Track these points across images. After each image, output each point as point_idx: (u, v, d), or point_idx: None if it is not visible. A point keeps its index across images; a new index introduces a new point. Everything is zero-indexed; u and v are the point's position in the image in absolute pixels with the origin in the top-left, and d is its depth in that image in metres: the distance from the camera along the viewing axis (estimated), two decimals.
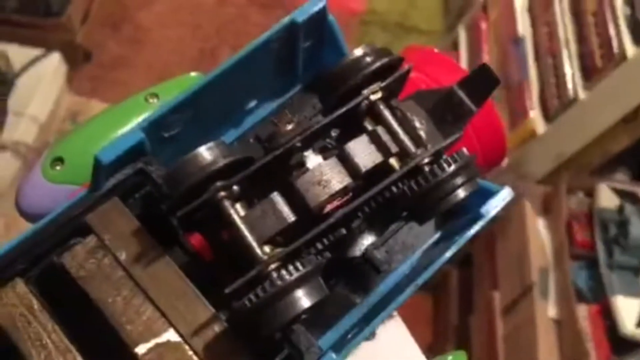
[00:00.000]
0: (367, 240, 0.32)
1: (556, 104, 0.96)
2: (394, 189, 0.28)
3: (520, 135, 1.00)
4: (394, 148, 0.29)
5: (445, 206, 0.29)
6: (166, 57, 1.44)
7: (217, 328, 0.28)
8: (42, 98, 1.25)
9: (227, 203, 0.27)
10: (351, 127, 0.30)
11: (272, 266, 0.26)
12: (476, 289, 1.09)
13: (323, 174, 0.28)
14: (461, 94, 0.32)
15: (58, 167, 0.33)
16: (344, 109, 0.29)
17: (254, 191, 0.29)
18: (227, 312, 0.28)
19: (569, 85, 0.93)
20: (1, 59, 1.21)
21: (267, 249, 0.27)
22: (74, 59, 1.34)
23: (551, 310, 0.89)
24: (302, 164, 0.29)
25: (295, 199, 0.28)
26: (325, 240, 0.28)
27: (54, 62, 1.28)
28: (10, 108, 1.20)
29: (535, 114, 0.98)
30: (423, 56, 0.41)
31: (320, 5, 0.32)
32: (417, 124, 0.31)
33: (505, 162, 1.02)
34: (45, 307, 0.28)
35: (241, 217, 0.27)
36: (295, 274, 0.25)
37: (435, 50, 0.44)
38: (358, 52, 0.31)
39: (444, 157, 0.29)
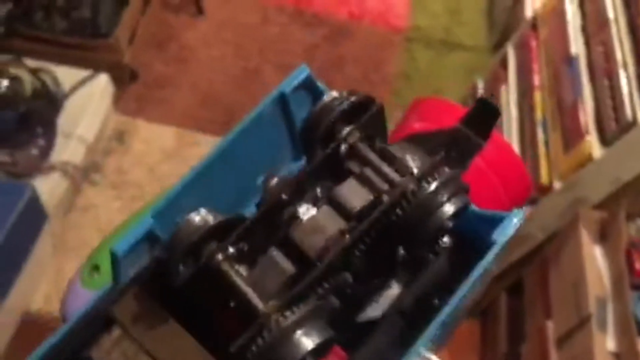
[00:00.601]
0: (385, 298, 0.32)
1: (613, 126, 0.92)
2: (383, 220, 0.29)
3: (575, 158, 0.96)
4: (384, 185, 0.30)
5: (435, 224, 0.29)
6: (210, 76, 1.45)
7: None
8: (90, 118, 1.27)
9: (226, 265, 0.28)
10: (339, 174, 0.31)
11: (274, 317, 0.27)
12: (528, 317, 1.05)
13: (317, 222, 0.29)
14: (466, 130, 0.32)
15: (95, 275, 0.37)
16: (322, 156, 0.31)
17: (253, 250, 0.29)
18: None
19: (627, 108, 0.90)
20: (51, 80, 1.23)
21: (273, 302, 0.27)
22: (121, 79, 1.36)
23: (610, 343, 0.85)
24: (295, 217, 0.30)
25: (294, 251, 0.29)
26: (326, 284, 0.28)
27: (102, 83, 1.30)
28: (59, 129, 1.22)
29: (591, 137, 0.95)
30: (433, 106, 0.42)
31: (304, 75, 0.34)
32: (410, 161, 0.31)
33: (559, 186, 0.99)
34: None
35: (243, 278, 0.28)
36: (292, 317, 0.26)
37: (445, 100, 0.44)
38: (327, 97, 0.32)
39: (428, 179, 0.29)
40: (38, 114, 1.18)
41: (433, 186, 0.29)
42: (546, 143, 1.05)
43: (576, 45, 1.05)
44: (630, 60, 0.94)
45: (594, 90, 0.99)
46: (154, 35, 1.48)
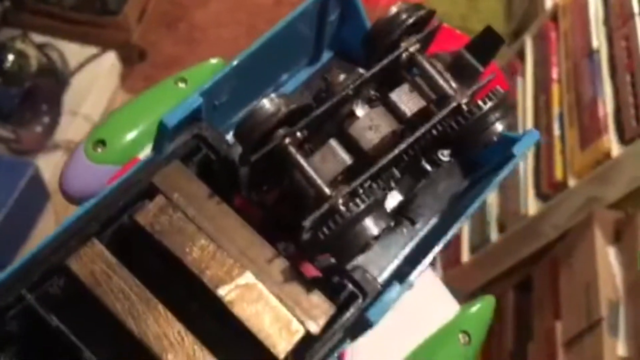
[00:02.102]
0: (396, 198, 0.34)
1: (634, 124, 0.89)
2: (438, 128, 0.32)
3: (592, 156, 0.93)
4: (432, 94, 0.32)
5: (486, 139, 0.32)
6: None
7: (285, 269, 0.30)
8: (96, 97, 1.25)
9: (292, 149, 0.30)
10: (390, 80, 0.33)
11: (340, 201, 0.29)
12: (536, 316, 1.03)
13: (372, 120, 0.31)
14: (468, 56, 0.34)
15: (100, 150, 0.35)
16: (389, 59, 0.32)
17: (315, 139, 0.31)
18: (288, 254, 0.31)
19: None
20: (57, 57, 1.21)
21: (340, 189, 0.29)
22: (129, 58, 1.34)
23: (621, 349, 0.82)
24: (352, 113, 0.32)
25: (349, 144, 0.30)
26: (379, 181, 0.31)
27: (109, 61, 1.27)
28: (64, 107, 1.20)
29: (609, 135, 0.92)
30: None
31: None
32: (447, 75, 0.34)
33: (573, 183, 0.96)
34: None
35: (307, 163, 0.30)
36: (363, 205, 0.28)
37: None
38: (394, 9, 0.34)
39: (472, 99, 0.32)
40: (43, 90, 1.16)
41: (489, 105, 0.31)
42: (562, 138, 1.02)
43: (598, 39, 1.01)
44: None
45: (614, 86, 0.96)
46: (164, 14, 1.45)
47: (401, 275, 0.32)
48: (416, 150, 0.32)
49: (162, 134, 0.32)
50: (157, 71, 1.39)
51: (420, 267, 0.31)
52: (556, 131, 1.03)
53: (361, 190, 0.29)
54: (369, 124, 0.31)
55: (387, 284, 0.32)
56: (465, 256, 1.15)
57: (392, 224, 0.29)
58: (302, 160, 0.30)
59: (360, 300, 0.31)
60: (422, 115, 0.32)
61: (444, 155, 0.33)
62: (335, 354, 0.30)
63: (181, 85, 0.38)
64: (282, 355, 0.29)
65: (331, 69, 0.35)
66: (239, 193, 0.33)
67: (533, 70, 1.17)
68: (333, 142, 0.31)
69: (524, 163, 1.07)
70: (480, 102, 0.31)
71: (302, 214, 0.29)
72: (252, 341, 0.29)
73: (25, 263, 0.30)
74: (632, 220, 0.89)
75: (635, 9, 0.96)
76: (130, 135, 0.35)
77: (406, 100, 0.32)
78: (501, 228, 1.10)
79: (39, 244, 0.31)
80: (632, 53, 0.93)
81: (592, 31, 1.02)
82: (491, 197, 1.12)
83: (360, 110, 0.31)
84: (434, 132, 0.32)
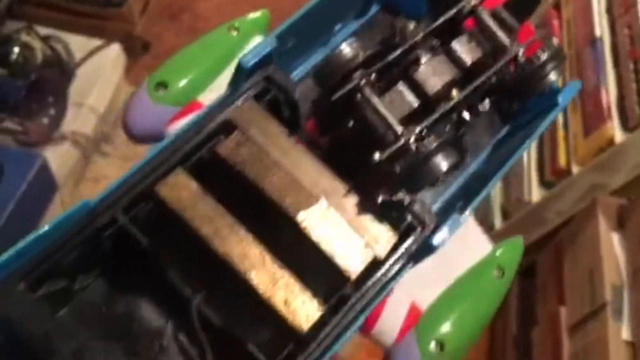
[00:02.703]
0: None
1: (637, 111, 0.90)
2: (496, 77, 0.33)
3: (596, 143, 0.94)
4: (489, 46, 0.34)
5: (541, 88, 0.35)
6: None
7: (353, 201, 0.33)
8: (101, 89, 1.25)
9: (368, 89, 0.32)
10: (449, 31, 0.35)
11: (412, 138, 0.31)
12: (540, 302, 1.04)
13: (436, 67, 0.33)
14: (506, 14, 0.36)
15: (161, 92, 0.37)
16: (454, 11, 0.34)
17: (386, 83, 0.33)
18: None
19: None
20: (62, 49, 1.21)
21: (412, 128, 0.31)
22: (133, 50, 1.34)
23: (625, 333, 0.84)
24: (417, 60, 0.33)
25: (415, 89, 0.33)
26: (440, 126, 0.33)
27: (114, 53, 1.28)
28: (69, 98, 1.20)
29: (613, 122, 0.92)
30: None
31: None
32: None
33: (577, 170, 0.97)
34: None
35: (379, 103, 0.32)
36: (434, 143, 0.31)
37: None
38: None
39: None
40: (49, 82, 1.17)
41: (546, 54, 0.33)
42: (565, 126, 1.03)
43: (600, 27, 1.02)
44: None
45: (617, 74, 0.97)
46: (167, 5, 1.46)
47: (451, 210, 0.35)
48: (470, 98, 0.34)
49: (239, 74, 0.35)
50: (160, 63, 1.39)
51: (475, 201, 0.34)
52: (559, 118, 1.04)
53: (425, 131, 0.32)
54: (433, 70, 0.33)
55: (442, 216, 0.35)
56: None
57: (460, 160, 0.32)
58: (376, 101, 0.32)
59: (419, 231, 0.34)
60: (479, 65, 0.34)
61: (484, 106, 0.35)
62: (399, 279, 0.33)
63: (233, 33, 0.40)
64: (353, 276, 0.31)
65: (400, 20, 0.37)
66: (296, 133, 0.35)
67: None
68: (402, 85, 0.33)
69: (528, 150, 1.08)
70: (538, 52, 0.33)
71: (367, 152, 0.31)
72: (326, 263, 0.31)
73: (117, 188, 0.32)
74: (636, 206, 0.90)
75: None
76: (189, 79, 0.37)
77: (466, 50, 0.34)
78: (505, 215, 1.11)
79: (127, 171, 0.33)
80: (635, 41, 0.94)
81: (594, 19, 1.03)
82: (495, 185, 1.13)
83: (424, 58, 0.34)
84: (493, 80, 0.33)
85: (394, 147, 0.31)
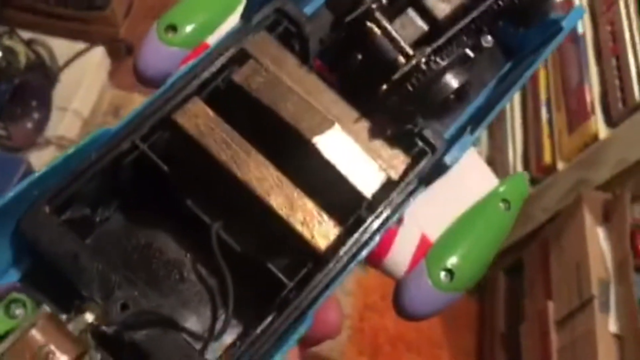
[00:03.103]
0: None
1: (620, 107, 0.91)
2: (501, 1, 0.34)
3: (580, 139, 0.95)
4: None
5: (548, 8, 0.35)
6: None
7: (366, 126, 0.34)
8: (85, 92, 1.24)
9: (379, 13, 0.32)
10: None
11: (423, 60, 0.31)
12: (527, 297, 1.05)
13: None
14: None
15: (170, 34, 0.37)
16: None
17: (395, 7, 0.34)
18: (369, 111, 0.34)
19: (635, 89, 0.89)
20: (45, 53, 1.21)
21: (422, 49, 0.32)
22: (117, 53, 1.33)
23: (612, 325, 0.85)
24: None
25: (424, 14, 0.33)
26: (449, 47, 0.33)
27: (98, 56, 1.27)
28: (53, 102, 1.19)
29: (596, 118, 0.94)
30: None
31: None
32: None
33: (562, 166, 0.98)
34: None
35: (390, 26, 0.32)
36: (443, 63, 0.31)
37: None
38: None
39: None
40: (33, 86, 1.16)
41: None
42: (550, 123, 1.04)
43: (583, 24, 1.03)
44: (638, 41, 0.92)
45: (600, 71, 0.98)
46: (151, 8, 1.45)
47: (459, 137, 0.35)
48: (478, 24, 0.34)
49: (251, 4, 0.35)
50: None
51: (485, 122, 0.34)
52: (544, 116, 1.05)
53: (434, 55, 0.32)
54: None
55: (450, 142, 0.35)
56: None
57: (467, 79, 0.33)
58: (387, 24, 0.32)
59: (430, 155, 0.35)
60: None
61: (487, 41, 0.35)
62: (412, 200, 0.34)
63: None
64: (369, 195, 0.32)
65: None
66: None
67: None
68: (411, 11, 0.33)
69: (514, 147, 1.09)
70: None
71: (378, 82, 0.32)
72: (342, 184, 0.32)
73: (136, 116, 0.33)
74: (620, 200, 0.91)
75: None
76: (198, 21, 0.37)
77: None
78: None
79: (145, 100, 0.33)
80: (617, 37, 0.95)
81: None
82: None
83: None
84: (501, 3, 0.34)
85: (407, 67, 0.31)
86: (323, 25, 0.36)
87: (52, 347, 0.26)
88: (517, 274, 1.13)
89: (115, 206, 0.34)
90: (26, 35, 1.19)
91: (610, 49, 0.96)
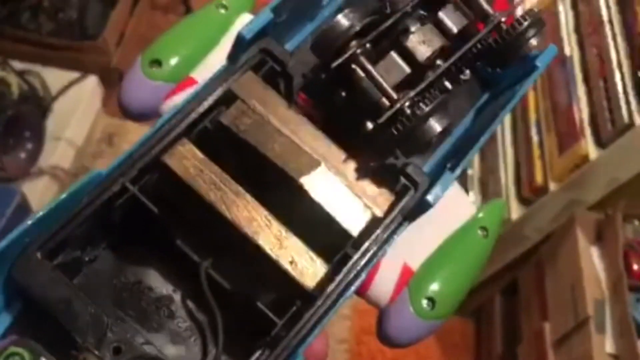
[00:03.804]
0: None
1: (609, 128, 0.92)
2: (482, 44, 0.35)
3: (571, 160, 0.96)
4: (472, 15, 0.36)
5: (523, 53, 0.36)
6: None
7: (350, 164, 0.35)
8: (79, 121, 1.25)
9: (363, 58, 0.34)
10: (435, 2, 0.36)
11: (407, 103, 0.33)
12: (524, 319, 1.06)
13: (425, 35, 0.35)
14: None
15: (155, 69, 0.37)
16: None
17: (378, 52, 0.35)
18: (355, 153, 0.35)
19: (623, 110, 0.90)
20: (38, 83, 1.21)
21: (405, 93, 0.33)
22: (110, 82, 1.34)
23: (609, 346, 0.85)
24: (406, 29, 0.35)
25: (406, 56, 0.34)
26: (431, 91, 0.34)
27: (91, 85, 1.28)
28: (47, 132, 1.20)
29: (586, 139, 0.95)
30: None
31: None
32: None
33: (554, 187, 0.99)
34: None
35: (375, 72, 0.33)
36: (430, 105, 0.32)
37: None
38: None
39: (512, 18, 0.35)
40: (26, 117, 1.16)
41: (526, 24, 0.35)
42: (540, 144, 1.05)
43: (570, 46, 1.05)
44: (625, 62, 0.94)
45: (588, 92, 0.99)
46: (143, 36, 1.46)
47: (441, 171, 0.37)
48: (457, 65, 0.35)
49: (239, 45, 0.35)
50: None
51: (465, 160, 0.36)
52: (534, 137, 1.06)
53: (416, 98, 0.34)
54: (422, 38, 0.35)
55: (433, 177, 0.37)
56: None
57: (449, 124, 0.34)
58: (371, 68, 0.34)
59: (412, 191, 0.36)
60: (465, 33, 0.36)
61: (465, 74, 0.36)
62: (397, 236, 0.35)
63: (222, 10, 0.40)
64: (355, 233, 0.33)
65: None
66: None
67: None
68: (393, 54, 0.35)
69: (505, 168, 1.10)
70: (520, 19, 0.35)
71: (361, 120, 0.33)
72: (328, 223, 0.33)
73: (126, 159, 0.33)
74: (612, 220, 0.92)
75: (605, 16, 0.99)
76: (182, 55, 0.38)
77: (452, 19, 0.36)
78: None
79: (134, 143, 0.34)
80: (604, 59, 0.97)
81: (563, 39, 1.05)
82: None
83: (413, 27, 0.35)
84: (479, 46, 0.35)
85: (391, 112, 0.32)
86: (305, 60, 0.37)
87: None
88: (512, 295, 1.14)
89: (104, 245, 0.35)
90: (19, 65, 1.20)
91: (598, 71, 0.97)
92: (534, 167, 1.03)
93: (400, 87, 0.34)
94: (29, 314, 0.31)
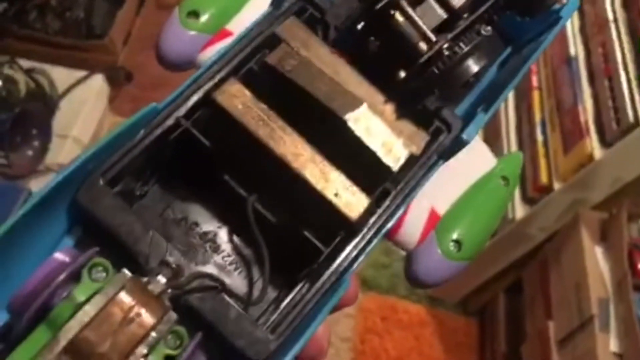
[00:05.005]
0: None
1: (614, 127, 0.92)
2: None
3: (576, 159, 0.96)
4: None
5: (550, 1, 0.37)
6: None
7: (389, 105, 0.36)
8: (85, 120, 1.25)
9: (404, 2, 0.34)
10: None
11: (446, 45, 0.34)
12: (528, 318, 1.06)
13: None
14: None
15: (192, 20, 0.38)
16: None
17: None
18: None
19: (628, 109, 0.90)
20: (45, 81, 1.22)
21: (444, 36, 0.34)
22: (116, 80, 1.35)
23: (613, 344, 0.85)
24: None
25: (443, 3, 0.35)
26: (468, 35, 0.35)
27: (97, 84, 1.28)
28: (54, 130, 1.21)
29: (591, 138, 0.95)
30: None
31: None
32: None
33: (558, 186, 0.99)
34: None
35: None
36: (465, 48, 0.34)
37: None
38: None
39: None
40: (33, 115, 1.17)
41: None
42: (545, 144, 1.05)
43: (575, 46, 1.05)
44: (630, 62, 0.94)
45: (593, 92, 0.99)
46: (149, 35, 1.47)
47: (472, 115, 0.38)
48: (490, 12, 0.37)
49: None
50: (144, 92, 1.40)
51: (496, 103, 0.37)
52: (539, 137, 1.06)
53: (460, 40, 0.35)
54: None
55: (465, 119, 0.38)
56: None
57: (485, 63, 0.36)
58: (412, 12, 0.35)
59: (446, 133, 0.37)
60: None
61: (486, 30, 0.37)
62: (432, 174, 0.37)
63: None
64: (395, 168, 0.35)
65: None
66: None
67: None
68: (431, 0, 0.36)
69: None
70: None
71: (399, 61, 0.35)
72: (371, 159, 0.35)
73: (178, 95, 0.35)
74: (617, 220, 0.92)
75: (610, 16, 1.00)
76: (218, 7, 0.39)
77: None
78: None
79: (186, 81, 0.35)
80: (609, 58, 0.97)
81: (569, 39, 1.06)
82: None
83: None
84: None
85: (432, 51, 0.34)
86: (339, 13, 0.39)
87: (141, 308, 0.27)
88: (517, 294, 1.14)
89: (153, 181, 0.36)
90: (26, 64, 1.21)
91: (603, 70, 0.98)
92: (539, 167, 1.04)
93: (437, 33, 0.35)
94: (89, 240, 0.32)
